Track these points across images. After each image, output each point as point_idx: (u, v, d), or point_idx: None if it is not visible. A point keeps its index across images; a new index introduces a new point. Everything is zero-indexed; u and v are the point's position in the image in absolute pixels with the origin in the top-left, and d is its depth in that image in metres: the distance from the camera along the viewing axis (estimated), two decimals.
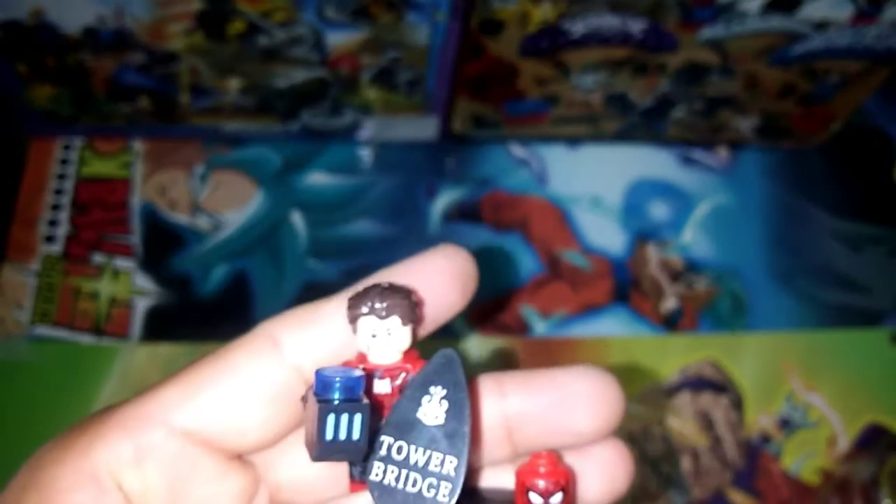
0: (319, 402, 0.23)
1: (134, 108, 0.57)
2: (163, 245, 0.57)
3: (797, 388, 0.55)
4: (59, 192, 0.58)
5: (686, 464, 0.53)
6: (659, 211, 0.61)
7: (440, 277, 0.28)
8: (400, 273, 0.28)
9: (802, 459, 0.53)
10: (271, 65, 0.53)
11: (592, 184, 0.61)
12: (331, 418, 0.23)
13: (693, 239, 0.60)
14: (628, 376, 0.55)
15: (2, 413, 0.50)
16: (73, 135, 0.60)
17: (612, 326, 0.57)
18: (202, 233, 0.57)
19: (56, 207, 0.58)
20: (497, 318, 0.56)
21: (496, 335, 0.56)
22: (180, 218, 0.58)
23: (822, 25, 0.51)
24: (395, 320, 0.26)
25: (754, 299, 0.58)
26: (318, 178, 0.60)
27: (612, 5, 0.50)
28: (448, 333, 0.55)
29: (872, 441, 0.54)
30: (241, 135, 0.60)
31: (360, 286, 0.27)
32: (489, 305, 0.57)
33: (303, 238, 0.58)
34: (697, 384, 0.55)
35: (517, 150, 0.62)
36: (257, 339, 0.27)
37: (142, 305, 0.55)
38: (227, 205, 0.58)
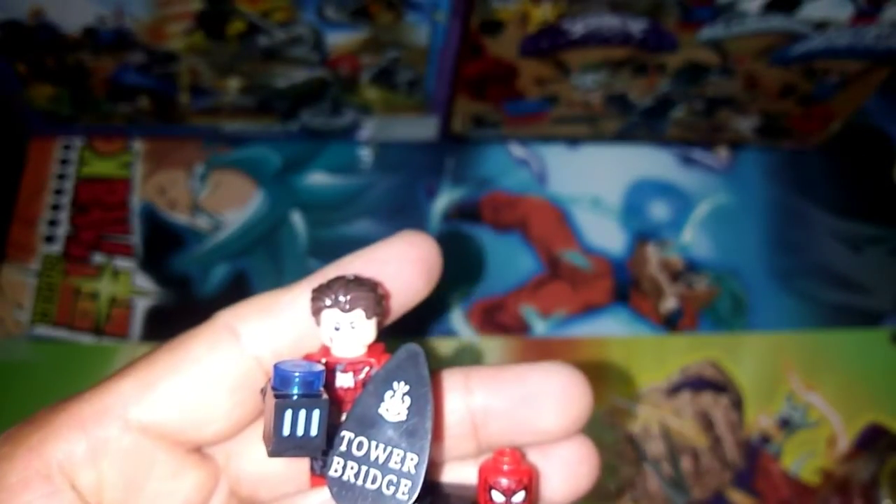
0: (277, 396, 0.23)
1: (134, 108, 0.57)
2: (163, 245, 0.57)
3: (797, 387, 0.55)
4: (59, 192, 0.58)
5: (686, 464, 0.53)
6: (659, 211, 0.61)
7: (404, 264, 0.27)
8: (363, 260, 0.27)
9: (802, 459, 0.53)
10: (271, 65, 0.53)
11: (592, 184, 0.61)
12: (288, 414, 0.22)
13: (693, 239, 0.60)
14: (628, 376, 0.55)
15: (2, 413, 0.50)
16: (73, 135, 0.60)
17: (612, 326, 0.57)
18: (202, 233, 0.57)
19: (56, 207, 0.58)
20: (497, 317, 0.56)
21: (496, 335, 0.56)
22: (180, 218, 0.58)
23: (822, 25, 0.51)
24: (358, 313, 0.25)
25: (754, 299, 0.58)
26: (318, 178, 0.60)
27: (612, 5, 0.50)
28: (448, 333, 0.55)
29: (872, 441, 0.54)
30: (241, 135, 0.60)
31: (324, 277, 0.26)
32: (490, 305, 0.57)
33: (303, 238, 0.58)
34: (697, 384, 0.55)
35: (517, 150, 0.62)
36: (215, 328, 0.26)
37: (142, 305, 0.55)
38: (227, 205, 0.58)
